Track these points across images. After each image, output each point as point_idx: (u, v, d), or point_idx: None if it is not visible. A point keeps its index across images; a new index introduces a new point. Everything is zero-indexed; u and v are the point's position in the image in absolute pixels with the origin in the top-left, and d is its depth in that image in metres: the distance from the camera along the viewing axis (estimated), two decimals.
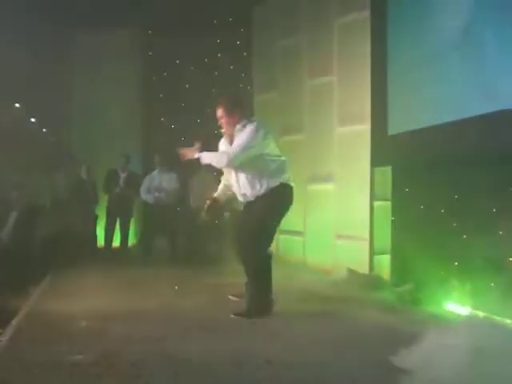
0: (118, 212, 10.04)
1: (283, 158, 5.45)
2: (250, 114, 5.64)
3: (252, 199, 5.34)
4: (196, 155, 5.41)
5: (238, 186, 5.39)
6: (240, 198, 5.48)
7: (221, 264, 7.77)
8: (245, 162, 5.27)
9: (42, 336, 4.52)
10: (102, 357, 3.92)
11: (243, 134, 5.26)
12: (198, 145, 5.44)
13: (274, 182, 5.30)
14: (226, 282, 6.71)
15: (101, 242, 10.24)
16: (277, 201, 5.33)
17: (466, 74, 5.68)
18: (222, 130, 5.54)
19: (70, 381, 3.46)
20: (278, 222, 5.52)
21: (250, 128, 5.27)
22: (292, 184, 5.44)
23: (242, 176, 5.34)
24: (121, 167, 10.08)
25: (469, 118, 5.62)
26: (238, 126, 5.35)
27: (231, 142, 5.40)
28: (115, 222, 10.10)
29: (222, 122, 5.45)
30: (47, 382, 3.44)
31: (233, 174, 5.42)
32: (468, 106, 5.65)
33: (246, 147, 5.23)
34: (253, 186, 5.30)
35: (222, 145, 5.59)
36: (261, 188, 5.28)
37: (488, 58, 5.38)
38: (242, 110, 5.47)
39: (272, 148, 5.38)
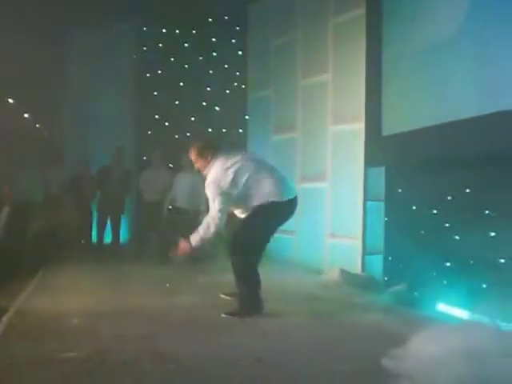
0: (110, 209, 10.00)
1: (269, 180, 5.42)
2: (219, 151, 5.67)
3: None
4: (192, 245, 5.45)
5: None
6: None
7: (212, 262, 7.75)
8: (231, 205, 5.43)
9: (32, 333, 4.51)
10: (93, 354, 3.92)
11: (207, 189, 5.38)
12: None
13: (264, 201, 5.33)
14: (217, 281, 6.69)
15: (94, 238, 10.21)
16: (266, 215, 5.37)
17: (461, 73, 5.68)
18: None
19: (61, 378, 3.44)
20: (269, 232, 5.57)
21: (209, 178, 5.42)
22: (284, 199, 5.43)
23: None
24: (114, 162, 10.05)
25: (463, 120, 5.63)
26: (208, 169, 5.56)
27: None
28: (106, 219, 10.07)
29: (197, 165, 5.70)
30: (38, 378, 3.42)
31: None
32: (462, 106, 5.65)
33: (216, 200, 5.31)
34: (244, 212, 5.47)
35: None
36: (251, 207, 5.38)
37: (485, 57, 5.37)
38: (213, 152, 5.58)
39: (242, 178, 5.36)
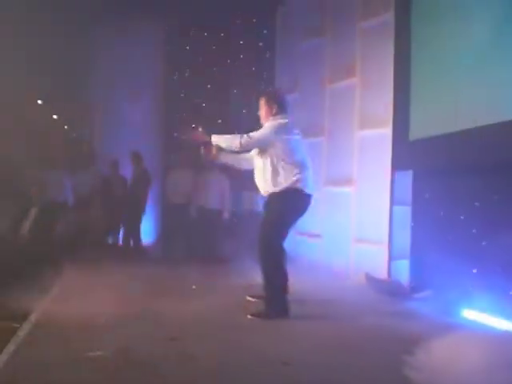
0: (130, 210, 10.05)
1: (305, 165, 5.47)
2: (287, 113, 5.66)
3: (266, 196, 5.49)
4: (207, 138, 5.64)
5: (257, 178, 5.57)
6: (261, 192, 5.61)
7: (239, 263, 7.76)
8: (258, 154, 5.50)
9: (59, 332, 4.55)
10: (119, 353, 3.95)
11: (262, 128, 5.46)
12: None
13: (288, 186, 5.33)
14: (243, 283, 6.70)
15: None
16: (287, 205, 5.37)
17: (492, 78, 5.61)
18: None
19: (87, 376, 3.47)
20: (289, 224, 5.50)
21: (269, 123, 5.46)
22: (308, 191, 5.44)
23: (260, 170, 5.48)
24: (134, 165, 10.11)
25: (491, 125, 5.58)
26: (267, 121, 5.54)
27: None
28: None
29: (260, 113, 5.65)
30: (65, 377, 3.45)
31: (256, 166, 5.58)
32: (492, 111, 5.60)
33: (258, 138, 5.39)
34: (267, 183, 5.40)
35: None
36: (275, 187, 5.35)
37: None
38: (279, 107, 5.57)
39: (289, 152, 5.39)
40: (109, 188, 10.13)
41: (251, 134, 5.39)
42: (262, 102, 5.62)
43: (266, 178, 5.40)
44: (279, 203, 5.35)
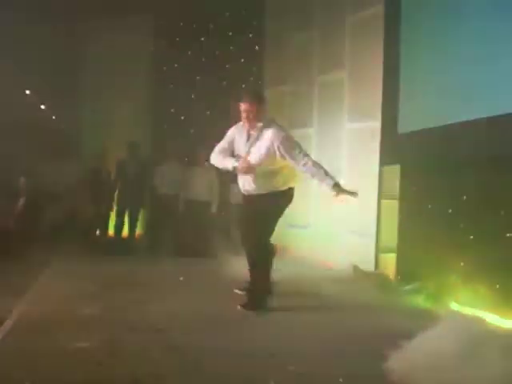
0: (128, 202, 9.98)
1: None
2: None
3: (264, 192, 5.40)
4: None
5: (245, 178, 5.46)
6: (248, 188, 5.49)
7: (225, 257, 7.76)
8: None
9: (44, 323, 4.54)
10: (104, 345, 3.94)
11: (288, 141, 5.33)
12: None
13: (288, 184, 5.48)
14: (230, 276, 6.70)
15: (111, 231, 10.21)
16: (286, 201, 5.50)
17: (480, 72, 5.62)
18: (240, 123, 5.54)
19: (72, 367, 3.46)
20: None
21: (284, 133, 5.40)
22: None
23: (265, 170, 5.38)
24: (129, 156, 10.04)
25: (479, 119, 5.59)
26: (261, 125, 5.41)
27: (248, 138, 5.45)
28: (124, 212, 10.05)
29: (247, 115, 5.40)
30: (50, 368, 3.44)
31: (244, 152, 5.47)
32: (480, 106, 5.61)
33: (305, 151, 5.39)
34: (271, 182, 5.40)
35: (239, 141, 5.54)
36: (278, 186, 5.41)
37: (507, 54, 5.30)
38: (266, 108, 5.60)
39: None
40: (96, 179, 10.03)
41: (305, 153, 5.33)
42: (254, 105, 5.40)
43: (268, 178, 5.39)
44: (277, 201, 5.43)
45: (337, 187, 5.22)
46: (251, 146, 5.40)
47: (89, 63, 11.64)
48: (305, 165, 5.22)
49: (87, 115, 11.83)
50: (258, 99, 5.50)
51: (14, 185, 9.90)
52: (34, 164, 10.08)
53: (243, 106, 5.41)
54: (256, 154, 5.35)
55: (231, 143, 5.58)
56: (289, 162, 5.28)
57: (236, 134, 5.58)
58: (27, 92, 10.90)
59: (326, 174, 5.27)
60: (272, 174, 5.37)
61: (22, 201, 9.46)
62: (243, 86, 11.24)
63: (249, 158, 5.34)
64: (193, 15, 11.21)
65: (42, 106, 11.15)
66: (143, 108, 11.69)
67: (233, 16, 11.20)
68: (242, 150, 5.47)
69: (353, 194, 5.29)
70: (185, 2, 10.73)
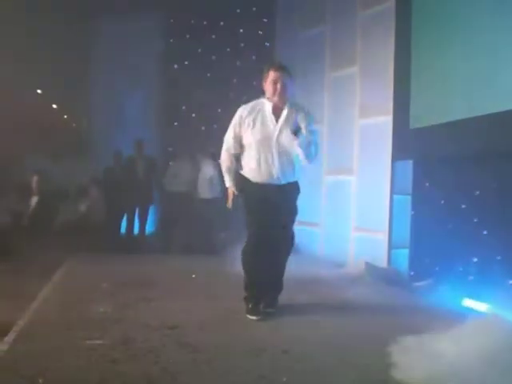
0: (138, 199, 9.99)
1: None
2: None
3: (284, 183, 4.94)
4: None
5: (273, 166, 4.87)
6: (266, 178, 4.92)
7: (235, 253, 7.76)
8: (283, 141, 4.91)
9: (59, 320, 4.56)
10: (119, 342, 3.96)
11: (310, 118, 5.03)
12: None
13: (300, 174, 5.10)
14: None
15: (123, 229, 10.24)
16: (298, 192, 5.14)
17: (494, 66, 5.59)
18: (251, 104, 5.02)
19: (87, 365, 3.48)
20: None
21: (307, 113, 5.05)
22: None
23: (284, 158, 4.90)
24: (136, 153, 10.05)
25: (492, 114, 5.56)
26: (289, 105, 4.93)
27: (277, 118, 4.89)
28: (135, 210, 10.06)
29: (283, 89, 4.86)
30: (64, 365, 3.46)
31: (273, 153, 4.87)
32: (492, 100, 5.58)
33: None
34: (289, 170, 4.95)
35: (262, 121, 4.90)
36: (294, 174, 5.00)
37: None
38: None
39: None
40: (111, 177, 10.04)
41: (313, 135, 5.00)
42: (288, 78, 4.92)
43: (290, 166, 4.94)
44: (295, 193, 5.09)
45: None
46: (283, 125, 4.88)
47: (100, 62, 11.66)
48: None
49: (99, 114, 11.85)
50: (290, 71, 5.00)
51: (27, 183, 9.97)
52: (46, 163, 10.14)
53: (278, 75, 4.86)
54: (289, 137, 4.86)
55: (244, 130, 4.94)
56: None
57: (254, 116, 4.92)
58: (39, 91, 10.94)
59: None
60: (292, 161, 4.93)
61: (35, 199, 9.52)
62: (254, 83, 11.28)
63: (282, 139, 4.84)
64: (203, 13, 11.23)
65: (54, 106, 11.19)
66: (155, 106, 11.70)
67: (243, 13, 11.23)
68: (266, 131, 4.88)
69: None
70: (196, 0, 10.74)
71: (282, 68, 4.92)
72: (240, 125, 4.96)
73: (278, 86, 4.85)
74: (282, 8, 10.61)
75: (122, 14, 10.90)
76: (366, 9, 8.02)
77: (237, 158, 5.06)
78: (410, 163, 7.19)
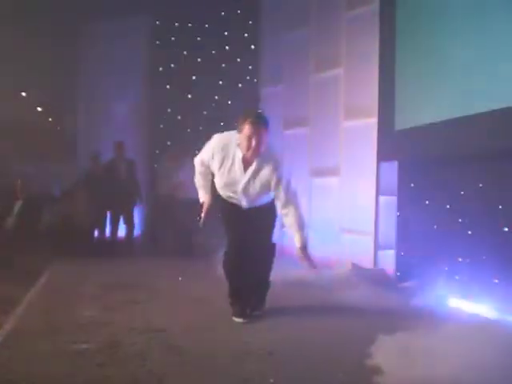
0: (122, 202, 9.95)
1: None
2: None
3: (256, 206, 4.97)
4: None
5: (242, 194, 4.88)
6: (243, 203, 4.95)
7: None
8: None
9: (45, 325, 4.54)
10: (105, 346, 3.95)
11: (280, 167, 4.82)
12: None
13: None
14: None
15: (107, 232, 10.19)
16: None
17: (478, 67, 5.62)
18: (228, 142, 4.81)
19: (73, 369, 3.46)
20: None
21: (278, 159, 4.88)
22: None
23: (251, 198, 4.91)
24: (117, 155, 9.99)
25: (476, 114, 5.59)
26: (260, 158, 4.75)
27: (245, 168, 4.78)
28: (119, 212, 10.01)
29: (258, 143, 4.64)
30: (50, 370, 3.44)
31: (240, 197, 4.90)
32: (476, 101, 5.61)
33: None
34: (263, 198, 4.96)
35: (230, 168, 4.81)
36: (268, 199, 4.99)
37: (506, 49, 5.29)
38: None
39: None
40: (92, 181, 10.00)
41: (288, 181, 4.82)
42: (265, 132, 4.69)
43: (266, 194, 4.92)
44: (273, 211, 5.08)
45: (302, 249, 4.92)
46: (252, 177, 4.80)
47: (86, 64, 11.62)
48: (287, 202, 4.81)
49: (84, 116, 11.81)
50: (268, 123, 4.76)
51: (10, 187, 9.91)
52: (29, 166, 10.09)
53: (254, 131, 4.62)
54: (257, 187, 4.82)
55: (213, 165, 4.87)
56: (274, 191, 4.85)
57: (224, 156, 4.81)
58: (23, 94, 10.89)
59: (302, 225, 4.91)
60: (262, 198, 4.94)
61: (18, 203, 9.46)
62: (239, 85, 11.30)
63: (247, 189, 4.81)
64: (189, 15, 11.23)
65: (39, 108, 11.15)
66: (140, 108, 11.67)
67: (228, 15, 11.24)
68: (233, 178, 4.83)
69: (313, 265, 4.97)
70: (181, 2, 10.74)
71: (259, 122, 4.65)
72: (211, 157, 4.85)
73: (253, 141, 4.61)
74: (267, 10, 10.61)
75: (107, 15, 10.87)
76: (351, 10, 8.03)
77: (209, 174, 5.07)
78: (395, 164, 7.21)
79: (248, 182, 4.80)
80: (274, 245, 5.23)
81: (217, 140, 4.87)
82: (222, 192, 5.01)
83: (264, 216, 5.05)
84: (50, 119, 11.25)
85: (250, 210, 4.98)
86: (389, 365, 3.48)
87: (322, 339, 4.34)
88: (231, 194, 4.95)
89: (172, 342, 4.12)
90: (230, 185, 4.87)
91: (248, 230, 4.96)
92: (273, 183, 4.78)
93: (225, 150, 4.79)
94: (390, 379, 3.32)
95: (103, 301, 5.52)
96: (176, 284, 6.73)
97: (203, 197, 5.10)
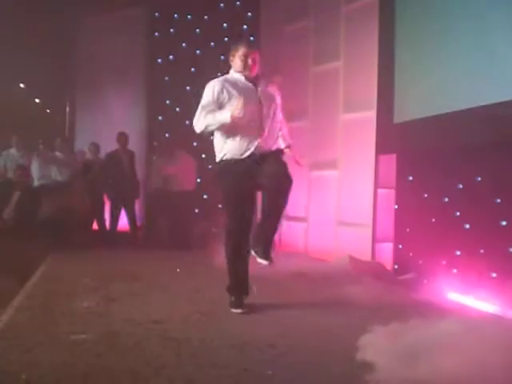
0: (124, 194, 9.93)
1: None
2: None
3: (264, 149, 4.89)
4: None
5: (255, 124, 4.86)
6: (251, 144, 4.83)
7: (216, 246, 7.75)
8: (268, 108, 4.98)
9: (42, 316, 4.55)
10: (103, 336, 3.95)
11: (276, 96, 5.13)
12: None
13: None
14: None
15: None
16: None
17: (476, 60, 5.62)
18: (227, 76, 5.08)
19: (71, 359, 3.47)
20: None
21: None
22: None
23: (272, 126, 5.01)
24: (120, 147, 9.98)
25: (474, 108, 5.59)
26: (265, 82, 5.12)
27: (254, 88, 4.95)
28: (120, 204, 10.00)
29: (253, 62, 4.97)
30: (48, 360, 3.44)
31: (250, 109, 4.79)
32: (475, 94, 5.61)
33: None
34: (272, 138, 5.02)
35: (240, 91, 4.86)
36: (277, 142, 5.11)
37: (503, 42, 5.29)
38: None
39: None
40: (90, 172, 9.99)
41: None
42: (258, 57, 5.04)
43: (273, 134, 5.04)
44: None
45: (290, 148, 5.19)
46: (262, 96, 4.94)
47: (84, 55, 11.60)
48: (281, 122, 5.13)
49: (81, 108, 11.79)
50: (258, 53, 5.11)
51: (9, 178, 9.91)
52: (28, 157, 10.08)
53: (249, 51, 5.00)
54: (269, 109, 4.96)
55: (222, 100, 4.89)
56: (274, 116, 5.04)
57: (229, 86, 4.92)
58: (21, 85, 10.88)
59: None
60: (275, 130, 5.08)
61: (17, 194, 9.46)
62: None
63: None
64: (188, 7, 11.20)
65: (37, 100, 11.13)
66: (138, 101, 11.65)
67: (227, 7, 11.21)
68: (247, 100, 4.77)
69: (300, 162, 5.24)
70: None
71: (252, 46, 5.10)
72: (216, 95, 4.92)
73: (249, 60, 4.94)
74: (266, 2, 10.59)
75: (106, 7, 10.84)
76: (350, 3, 8.03)
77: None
78: (393, 157, 7.21)
79: (261, 102, 4.90)
80: (291, 180, 4.80)
81: (210, 83, 5.02)
82: (233, 141, 4.87)
83: (274, 159, 4.88)
84: (48, 110, 11.22)
85: (257, 163, 4.80)
86: (386, 358, 3.48)
87: (320, 332, 4.34)
88: (243, 134, 4.82)
89: (170, 333, 4.12)
90: (244, 114, 4.71)
91: (271, 165, 4.81)
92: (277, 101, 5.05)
93: (226, 82, 4.96)
94: (387, 373, 3.32)
95: (101, 292, 5.52)
96: (174, 275, 6.74)
97: (224, 113, 4.82)
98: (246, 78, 4.97)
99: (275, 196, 4.81)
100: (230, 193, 4.91)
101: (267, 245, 4.86)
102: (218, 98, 4.90)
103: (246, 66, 4.93)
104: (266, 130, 4.92)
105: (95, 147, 10.24)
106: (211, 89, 4.95)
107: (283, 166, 4.86)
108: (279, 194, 4.80)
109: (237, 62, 5.00)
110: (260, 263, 4.84)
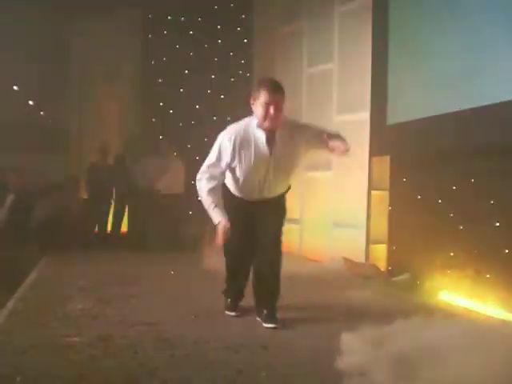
0: (127, 197, 9.93)
1: None
2: None
3: (270, 197, 4.65)
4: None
5: (264, 183, 4.52)
6: (255, 196, 4.61)
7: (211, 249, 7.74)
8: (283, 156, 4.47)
9: (36, 319, 4.52)
10: (96, 339, 3.94)
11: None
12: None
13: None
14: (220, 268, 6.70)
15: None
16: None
17: (469, 62, 5.63)
18: (238, 128, 4.48)
19: (64, 362, 3.46)
20: None
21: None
22: None
23: (278, 177, 4.56)
24: (127, 151, 10.00)
25: (467, 109, 5.61)
26: (284, 131, 4.45)
27: (270, 145, 4.40)
28: (124, 207, 9.99)
29: (276, 111, 4.32)
30: (42, 363, 3.43)
31: (262, 172, 4.46)
32: (467, 96, 5.63)
33: None
34: (283, 185, 4.73)
35: (261, 151, 4.39)
36: (284, 188, 4.77)
37: (495, 45, 5.31)
38: None
39: None
40: (96, 175, 9.96)
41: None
42: (282, 99, 4.41)
43: (285, 181, 4.72)
44: (283, 206, 4.82)
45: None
46: (280, 150, 4.42)
47: (76, 57, 11.58)
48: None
49: (75, 110, 11.76)
50: (284, 91, 4.42)
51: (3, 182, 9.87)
52: (22, 160, 10.05)
53: (274, 98, 4.30)
54: (287, 160, 4.49)
55: (227, 160, 4.44)
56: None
57: (240, 147, 4.40)
58: (15, 88, 10.84)
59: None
60: (289, 176, 4.69)
61: (11, 197, 9.42)
62: (232, 79, 11.28)
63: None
64: (181, 9, 11.19)
65: (30, 102, 11.09)
66: (132, 102, 11.63)
67: (221, 9, 11.21)
68: (260, 162, 4.41)
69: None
70: None
71: (275, 88, 4.35)
72: (225, 153, 4.43)
73: (271, 109, 4.28)
74: (260, 4, 10.61)
75: (99, 8, 10.81)
76: (343, 5, 8.04)
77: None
78: (387, 159, 7.22)
79: (277, 160, 4.41)
80: (280, 244, 4.70)
81: (221, 136, 4.51)
82: (238, 190, 4.63)
83: (274, 211, 4.69)
84: (42, 113, 11.19)
85: (259, 205, 4.61)
86: (378, 359, 3.48)
87: (314, 334, 4.34)
88: (249, 189, 4.58)
89: (164, 334, 4.12)
90: (253, 174, 4.45)
91: (253, 229, 4.62)
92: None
93: (236, 139, 4.39)
94: (379, 375, 3.32)
95: (94, 294, 5.50)
96: (168, 278, 6.73)
97: (220, 216, 4.39)
98: (265, 130, 4.39)
99: (264, 266, 4.65)
100: (231, 212, 4.50)
101: (270, 309, 4.60)
102: (223, 158, 4.45)
103: (266, 117, 4.32)
104: (276, 185, 4.60)
105: (105, 149, 10.15)
106: (218, 146, 4.47)
107: (278, 231, 4.67)
108: (268, 265, 4.64)
109: (258, 109, 4.36)
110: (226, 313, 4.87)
